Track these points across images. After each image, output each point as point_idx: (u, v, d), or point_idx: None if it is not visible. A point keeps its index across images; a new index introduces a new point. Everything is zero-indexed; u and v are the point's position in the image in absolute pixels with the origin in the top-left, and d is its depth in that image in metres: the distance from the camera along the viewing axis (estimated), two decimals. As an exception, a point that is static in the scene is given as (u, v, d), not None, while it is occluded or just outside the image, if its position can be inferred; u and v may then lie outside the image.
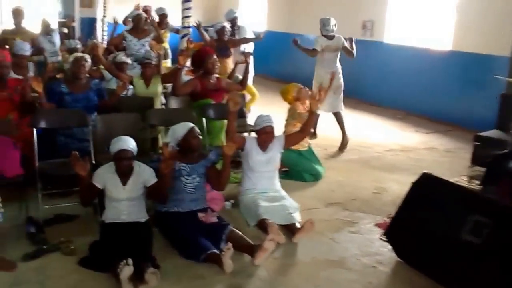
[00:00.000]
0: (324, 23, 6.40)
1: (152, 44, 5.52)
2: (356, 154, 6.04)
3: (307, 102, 5.05)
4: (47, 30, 6.84)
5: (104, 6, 10.70)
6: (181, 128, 3.52)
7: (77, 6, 13.93)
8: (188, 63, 5.15)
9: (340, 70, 6.46)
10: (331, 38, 6.33)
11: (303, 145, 4.92)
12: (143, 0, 8.90)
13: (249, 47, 7.07)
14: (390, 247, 3.45)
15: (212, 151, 3.76)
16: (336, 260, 3.41)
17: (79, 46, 6.05)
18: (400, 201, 3.46)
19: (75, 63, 4.36)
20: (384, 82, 8.83)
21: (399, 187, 4.87)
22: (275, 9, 12.08)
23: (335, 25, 6.33)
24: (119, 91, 4.40)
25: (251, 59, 7.38)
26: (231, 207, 4.18)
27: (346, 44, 6.33)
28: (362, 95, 9.17)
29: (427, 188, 3.31)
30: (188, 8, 6.14)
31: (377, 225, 3.96)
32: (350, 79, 9.30)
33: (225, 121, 4.77)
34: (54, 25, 10.90)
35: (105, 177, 3.32)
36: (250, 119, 5.24)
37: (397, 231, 3.27)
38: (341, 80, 6.46)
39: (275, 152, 4.08)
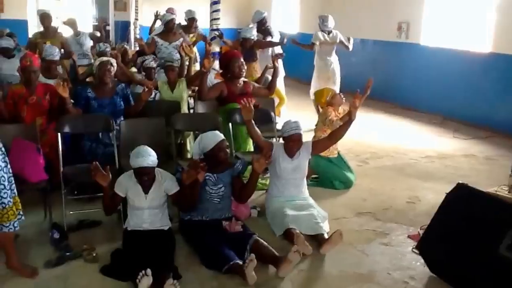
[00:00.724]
0: (323, 19, 7.14)
1: (180, 47, 5.50)
2: (390, 161, 5.85)
3: (340, 109, 4.92)
4: (74, 29, 6.96)
5: (136, 9, 10.83)
6: (210, 140, 3.44)
7: (111, 9, 14.26)
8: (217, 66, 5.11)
9: (337, 62, 7.36)
10: (328, 33, 7.13)
11: (332, 152, 4.78)
12: (171, 3, 8.93)
13: (278, 49, 6.99)
14: (423, 261, 3.28)
15: (239, 161, 3.69)
16: (365, 274, 3.27)
17: (108, 49, 6.09)
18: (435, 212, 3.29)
19: (100, 67, 4.37)
20: (420, 86, 8.56)
21: (434, 196, 4.67)
22: (307, 10, 11.94)
23: (332, 21, 7.19)
24: (144, 97, 4.37)
25: (280, 61, 7.36)
26: (257, 215, 4.09)
27: (343, 39, 7.19)
28: (397, 99, 8.93)
29: (462, 199, 3.13)
30: (217, 11, 6.11)
31: (410, 237, 3.78)
32: (384, 82, 9.13)
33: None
34: (88, 29, 11.23)
35: (126, 185, 3.30)
36: (280, 123, 5.16)
37: (430, 244, 3.11)
38: (337, 70, 7.30)
39: (303, 159, 3.98)
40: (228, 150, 3.53)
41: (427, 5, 8.48)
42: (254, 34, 6.43)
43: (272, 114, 4.65)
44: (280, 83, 7.43)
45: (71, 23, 7.17)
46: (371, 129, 7.07)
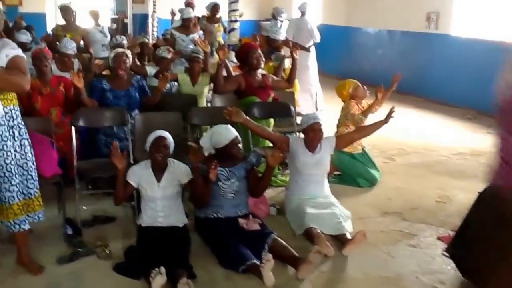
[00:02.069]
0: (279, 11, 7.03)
1: (196, 40, 5.48)
2: (419, 158, 5.71)
3: (363, 102, 4.82)
4: (96, 20, 7.02)
5: (154, 2, 10.86)
6: (223, 138, 3.39)
7: (129, 2, 14.38)
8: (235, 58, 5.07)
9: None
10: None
11: (356, 148, 4.68)
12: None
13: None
14: (453, 264, 3.17)
15: (253, 153, 3.63)
16: (391, 277, 3.18)
17: (124, 42, 6.10)
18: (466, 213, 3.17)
19: (115, 59, 4.38)
20: (451, 79, 8.35)
21: (466, 196, 4.52)
22: (331, 1, 11.80)
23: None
24: (161, 86, 4.37)
25: (312, 53, 7.29)
26: (276, 213, 4.03)
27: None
28: (427, 93, 8.73)
29: (497, 199, 2.99)
30: (235, 1, 6.04)
31: (440, 238, 3.66)
32: (413, 75, 8.94)
33: (272, 120, 4.66)
34: (106, 22, 11.32)
35: (140, 174, 3.31)
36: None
37: (462, 247, 2.99)
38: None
39: (325, 154, 3.89)
40: (240, 146, 3.47)
41: (458, -6, 8.27)
42: (282, 34, 6.30)
43: (292, 108, 4.57)
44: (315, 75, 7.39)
45: (94, 14, 7.25)
46: (399, 124, 6.79)
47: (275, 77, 4.85)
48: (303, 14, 7.40)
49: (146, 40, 6.86)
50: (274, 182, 4.44)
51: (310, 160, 3.85)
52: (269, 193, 4.14)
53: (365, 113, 4.57)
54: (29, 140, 2.94)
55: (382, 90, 4.63)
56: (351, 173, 4.69)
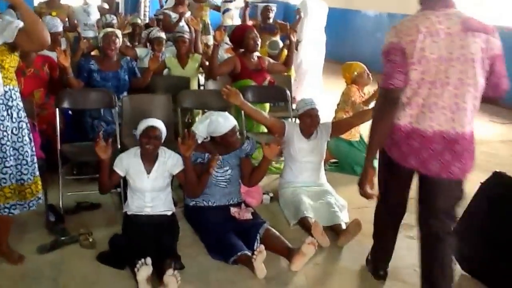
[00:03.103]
0: None
1: (187, 19, 5.33)
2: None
3: (365, 89, 4.70)
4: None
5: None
6: (222, 127, 3.26)
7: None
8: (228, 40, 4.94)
9: None
10: None
11: (354, 135, 4.59)
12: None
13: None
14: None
15: (248, 141, 3.52)
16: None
17: (114, 21, 5.95)
18: (467, 204, 3.09)
19: (105, 39, 4.25)
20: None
21: (467, 186, 4.43)
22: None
23: None
24: (152, 66, 4.24)
25: (323, 39, 7.14)
26: (270, 201, 3.95)
27: None
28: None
29: (499, 191, 2.93)
30: (229, -19, 5.90)
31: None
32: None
33: (267, 104, 4.55)
34: (97, 1, 11.08)
35: (128, 163, 3.18)
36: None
37: (462, 239, 2.92)
38: None
39: (321, 140, 3.80)
40: (238, 134, 3.36)
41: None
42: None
43: (288, 92, 4.45)
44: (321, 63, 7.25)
45: None
46: None
47: (271, 60, 4.73)
48: None
49: (138, 21, 6.69)
50: (268, 170, 4.34)
51: (306, 147, 3.76)
52: (262, 180, 4.03)
53: (366, 102, 4.46)
54: (28, 124, 2.82)
55: None
56: (348, 161, 4.61)
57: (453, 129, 2.31)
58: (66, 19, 6.44)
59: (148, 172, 3.16)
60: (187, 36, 4.87)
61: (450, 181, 2.40)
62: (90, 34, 6.39)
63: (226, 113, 3.38)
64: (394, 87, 2.29)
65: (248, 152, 3.49)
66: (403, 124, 2.36)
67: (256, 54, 4.65)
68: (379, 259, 2.94)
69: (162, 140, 3.18)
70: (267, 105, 4.57)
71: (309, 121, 3.70)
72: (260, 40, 4.55)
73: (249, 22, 6.52)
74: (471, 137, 2.39)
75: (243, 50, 4.48)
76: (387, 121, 2.38)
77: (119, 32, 4.37)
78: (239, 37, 4.51)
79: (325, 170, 4.56)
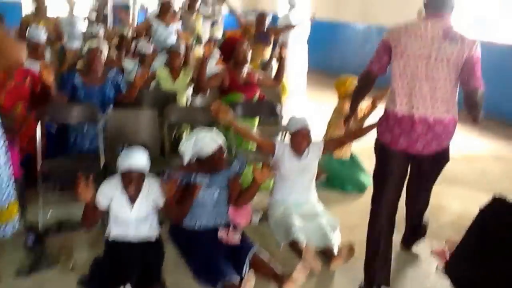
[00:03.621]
0: None
1: (179, 32, 5.21)
2: (409, 162, 5.52)
3: (358, 107, 4.59)
4: (72, 8, 6.68)
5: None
6: (208, 146, 3.11)
7: (110, -10, 13.92)
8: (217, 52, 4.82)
9: None
10: None
11: (345, 153, 4.48)
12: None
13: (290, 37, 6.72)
14: (449, 282, 2.97)
15: (237, 160, 3.38)
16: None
17: (101, 32, 5.80)
18: (465, 230, 2.96)
19: (89, 53, 4.09)
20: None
21: (460, 205, 4.38)
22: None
23: None
24: (138, 83, 4.08)
25: (305, 51, 7.08)
26: (259, 221, 3.81)
27: None
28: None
29: (499, 217, 2.80)
30: (218, -9, 5.79)
31: (434, 252, 3.47)
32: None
33: (256, 120, 4.43)
34: (85, 11, 10.93)
35: (110, 195, 2.96)
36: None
37: (461, 266, 2.80)
38: None
39: (312, 160, 3.67)
40: (226, 153, 3.22)
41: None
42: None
43: (278, 107, 4.32)
44: (301, 75, 7.19)
45: (71, 2, 6.89)
46: None
47: (261, 73, 4.60)
48: (292, 6, 7.14)
49: (124, 32, 6.55)
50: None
51: (296, 166, 3.63)
52: (251, 198, 3.92)
53: (360, 121, 4.35)
54: (6, 142, 2.65)
55: (380, 97, 4.45)
56: (339, 178, 4.49)
57: (426, 113, 2.78)
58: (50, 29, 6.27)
59: (132, 203, 2.97)
60: (182, 49, 4.74)
61: (428, 156, 2.88)
62: (76, 44, 6.23)
63: (213, 131, 3.24)
64: (369, 70, 2.98)
65: (237, 172, 3.35)
66: (395, 110, 2.84)
67: (247, 67, 4.53)
68: (379, 273, 2.99)
69: (147, 170, 2.98)
70: (257, 120, 4.43)
71: (300, 140, 3.58)
72: (251, 51, 4.42)
73: (243, 20, 6.43)
74: (449, 122, 2.80)
75: (233, 62, 4.34)
76: (361, 94, 3.16)
77: (104, 46, 4.22)
78: (229, 50, 4.39)
79: (316, 187, 4.47)
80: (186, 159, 3.19)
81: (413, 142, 2.83)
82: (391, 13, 9.39)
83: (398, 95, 2.82)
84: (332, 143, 3.82)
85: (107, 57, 4.93)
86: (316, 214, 3.56)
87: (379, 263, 2.98)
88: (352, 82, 4.50)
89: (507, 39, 7.26)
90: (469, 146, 6.18)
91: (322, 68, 11.04)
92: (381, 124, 2.94)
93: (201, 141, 3.13)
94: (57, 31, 6.24)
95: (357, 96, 3.21)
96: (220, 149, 3.15)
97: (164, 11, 6.11)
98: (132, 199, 2.96)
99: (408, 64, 2.78)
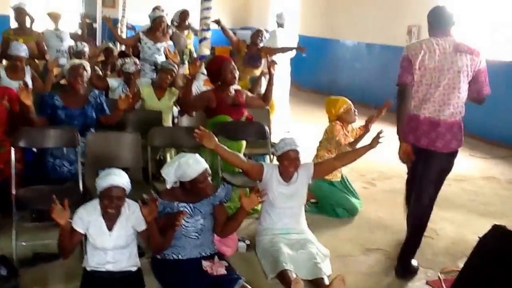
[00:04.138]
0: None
1: (166, 50, 5.05)
2: (400, 183, 5.29)
3: (349, 126, 4.43)
4: (56, 23, 6.47)
5: (124, 5, 10.36)
6: (191, 171, 2.91)
7: (99, 6, 13.76)
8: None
9: None
10: None
11: (335, 175, 4.31)
12: (161, 1, 8.50)
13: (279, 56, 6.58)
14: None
15: (223, 186, 3.19)
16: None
17: (86, 49, 5.60)
18: (460, 257, 2.82)
19: (71, 72, 3.90)
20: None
21: (453, 229, 4.22)
22: (309, 11, 11.50)
23: None
24: (122, 105, 3.88)
25: (287, 69, 6.95)
26: (246, 249, 3.62)
27: None
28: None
29: (500, 245, 2.64)
30: (208, 8, 5.59)
31: (429, 283, 3.30)
32: (393, 91, 8.60)
33: (244, 142, 4.25)
34: (75, 26, 10.72)
35: (88, 219, 2.76)
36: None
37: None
38: None
39: (301, 184, 3.48)
40: (210, 179, 3.03)
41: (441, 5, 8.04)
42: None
43: (267, 128, 4.14)
44: (283, 92, 7.05)
45: (54, 16, 6.67)
46: (378, 144, 6.52)
47: (249, 94, 4.41)
48: (280, 25, 7.00)
49: (111, 46, 6.37)
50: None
51: (285, 191, 3.44)
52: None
53: (352, 145, 4.19)
54: None
55: (373, 120, 4.31)
56: (329, 202, 4.32)
57: (431, 114, 3.28)
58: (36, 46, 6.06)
59: (110, 229, 2.76)
60: (175, 70, 4.57)
61: (439, 153, 3.30)
62: (63, 61, 6.03)
63: (197, 155, 3.05)
64: (404, 83, 3.30)
65: (223, 199, 3.16)
66: (416, 113, 3.33)
67: (234, 87, 4.37)
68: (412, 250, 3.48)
69: (127, 193, 2.79)
70: (244, 143, 4.24)
71: (288, 163, 3.39)
72: (238, 73, 4.24)
73: (235, 37, 6.29)
74: (454, 123, 3.29)
75: (219, 83, 4.15)
76: (404, 105, 3.32)
77: (87, 64, 4.03)
78: (215, 69, 4.19)
79: (305, 211, 4.29)
80: (168, 184, 3.00)
81: (433, 141, 3.29)
82: (378, 31, 9.34)
83: (418, 101, 3.32)
84: (323, 167, 3.62)
85: (90, 76, 4.76)
86: (305, 243, 3.36)
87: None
88: (344, 102, 4.35)
89: (495, 55, 7.19)
90: (459, 166, 6.02)
91: (312, 87, 10.93)
92: (406, 127, 3.36)
93: (184, 165, 2.94)
94: (40, 47, 6.02)
95: (403, 110, 3.35)
96: (204, 173, 2.96)
97: (155, 28, 5.95)
98: (111, 223, 2.76)
99: (425, 75, 3.26)
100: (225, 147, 3.38)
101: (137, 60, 5.06)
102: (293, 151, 3.39)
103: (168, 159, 4.32)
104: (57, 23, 6.54)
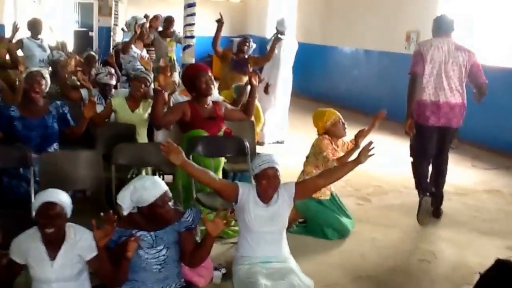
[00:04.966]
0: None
1: (139, 57, 4.68)
2: (398, 198, 4.93)
3: (339, 141, 4.00)
4: (35, 31, 6.07)
5: (116, 14, 10.03)
6: (148, 195, 2.51)
7: (95, 15, 13.55)
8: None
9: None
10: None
11: (324, 193, 3.88)
12: (157, 7, 8.16)
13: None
14: None
15: (190, 211, 2.77)
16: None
17: (62, 58, 5.23)
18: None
19: (28, 79, 3.53)
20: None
21: (454, 251, 3.77)
22: (306, 18, 11.16)
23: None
24: (87, 113, 3.49)
25: (290, 78, 6.54)
26: (222, 278, 3.19)
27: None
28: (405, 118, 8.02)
29: (505, 283, 2.21)
30: (192, 14, 5.17)
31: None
32: (392, 99, 8.17)
33: (222, 159, 3.82)
34: (69, 35, 10.39)
35: (26, 247, 2.37)
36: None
37: None
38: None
39: (282, 206, 3.03)
40: (171, 203, 2.61)
41: (440, 12, 7.62)
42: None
43: (247, 143, 3.69)
44: (286, 94, 6.67)
45: (31, 24, 6.26)
46: (375, 155, 6.02)
47: (229, 106, 3.94)
48: (281, 33, 6.53)
49: (93, 54, 5.99)
50: (223, 234, 3.61)
51: (264, 214, 3.00)
52: (214, 249, 3.27)
53: (340, 160, 3.75)
54: None
55: (364, 134, 3.90)
56: (318, 222, 3.88)
57: (447, 99, 4.15)
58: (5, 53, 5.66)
59: (52, 258, 2.36)
60: (149, 79, 4.16)
61: (449, 128, 4.27)
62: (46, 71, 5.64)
63: (155, 177, 2.64)
64: (416, 72, 4.14)
65: (190, 225, 2.73)
66: (425, 98, 4.18)
67: (213, 98, 3.95)
68: (426, 185, 4.37)
69: (68, 216, 2.39)
70: (222, 159, 3.81)
71: (265, 183, 2.96)
72: (214, 83, 3.83)
73: (220, 49, 5.89)
74: (457, 104, 4.19)
75: (194, 94, 3.72)
76: (414, 91, 4.18)
77: (45, 72, 3.67)
78: (190, 79, 3.74)
79: (291, 232, 3.87)
80: (125, 210, 2.59)
81: (439, 119, 4.18)
82: (376, 38, 8.92)
83: (428, 88, 4.17)
84: (306, 187, 3.16)
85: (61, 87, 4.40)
86: (287, 273, 2.91)
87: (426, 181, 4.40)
88: (331, 114, 3.92)
89: (497, 61, 6.75)
90: (461, 178, 5.59)
91: (310, 95, 10.54)
92: (416, 110, 4.24)
93: (141, 188, 2.54)
94: (13, 56, 5.63)
95: (412, 95, 4.22)
96: (163, 197, 2.55)
97: (141, 38, 5.62)
98: (53, 251, 2.37)
99: (434, 67, 4.13)
100: (193, 164, 2.95)
101: (112, 70, 4.66)
102: (271, 169, 2.96)
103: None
104: (37, 31, 6.14)
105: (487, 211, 4.68)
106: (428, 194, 4.19)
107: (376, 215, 4.43)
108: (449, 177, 5.61)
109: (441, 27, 4.20)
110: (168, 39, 6.36)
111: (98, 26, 13.27)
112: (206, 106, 3.71)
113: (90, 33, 13.06)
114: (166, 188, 2.59)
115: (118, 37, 10.07)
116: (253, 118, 5.08)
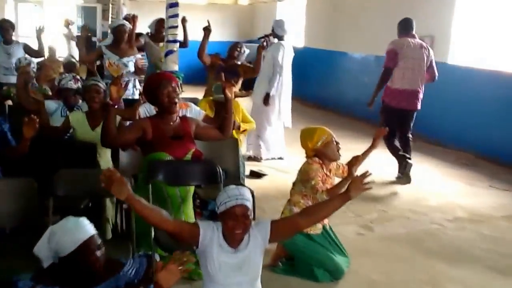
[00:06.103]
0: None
1: (108, 62, 4.12)
2: (404, 227, 4.24)
3: (333, 165, 3.35)
4: (6, 34, 5.54)
5: (113, 18, 9.56)
6: (68, 241, 1.95)
7: (99, 19, 13.18)
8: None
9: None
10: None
11: (315, 227, 3.22)
12: (151, 14, 7.58)
13: None
14: None
15: (132, 261, 2.17)
16: None
17: (33, 65, 4.67)
18: None
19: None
20: (446, 114, 6.96)
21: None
22: (314, 23, 10.58)
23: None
24: (27, 133, 2.88)
25: (288, 78, 5.94)
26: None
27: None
28: (418, 130, 7.15)
29: None
30: (175, 16, 4.54)
31: None
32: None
33: (191, 188, 3.20)
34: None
35: None
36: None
37: None
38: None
39: (254, 251, 2.40)
40: (102, 250, 2.01)
41: (457, 16, 6.92)
42: None
43: (219, 169, 3.03)
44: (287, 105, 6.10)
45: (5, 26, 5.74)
46: (380, 173, 5.29)
47: (201, 123, 3.27)
48: (280, 38, 5.90)
49: (73, 61, 5.44)
50: (195, 275, 2.99)
51: (231, 261, 2.37)
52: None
53: (331, 192, 3.10)
54: None
55: (359, 161, 3.28)
56: (306, 261, 3.23)
57: (413, 87, 5.27)
58: None
59: None
60: (102, 86, 3.56)
61: (413, 110, 5.40)
62: (12, 80, 5.11)
63: (81, 218, 2.04)
64: (389, 66, 5.24)
65: (132, 280, 2.13)
66: (397, 87, 5.26)
67: (189, 113, 3.34)
68: (403, 160, 5.39)
69: None
70: (192, 188, 3.17)
71: (233, 224, 2.33)
72: (180, 96, 3.20)
73: (207, 58, 5.28)
74: (420, 91, 5.32)
75: (157, 109, 3.09)
76: (383, 82, 5.34)
77: None
78: (151, 90, 3.10)
79: (276, 272, 3.25)
80: (44, 263, 2.00)
81: (407, 103, 5.26)
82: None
83: (400, 78, 5.19)
84: (284, 227, 2.50)
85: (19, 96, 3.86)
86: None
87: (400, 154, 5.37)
88: (322, 133, 3.27)
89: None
90: (476, 201, 4.89)
91: (314, 101, 9.95)
92: (388, 96, 5.35)
93: (60, 232, 1.96)
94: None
95: (381, 85, 5.38)
96: (89, 243, 1.96)
97: (117, 40, 5.05)
98: None
99: (407, 61, 5.16)
100: (142, 201, 2.31)
101: (78, 76, 4.09)
102: (239, 207, 2.32)
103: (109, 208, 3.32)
104: (7, 34, 5.59)
105: (506, 243, 3.97)
106: (408, 159, 5.30)
107: (378, 248, 3.77)
108: (462, 200, 4.94)
109: (407, 28, 5.26)
110: (161, 44, 5.75)
111: (102, 31, 12.85)
112: (171, 123, 3.06)
113: (94, 39, 12.61)
114: (93, 232, 2.00)
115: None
116: (243, 125, 4.47)
